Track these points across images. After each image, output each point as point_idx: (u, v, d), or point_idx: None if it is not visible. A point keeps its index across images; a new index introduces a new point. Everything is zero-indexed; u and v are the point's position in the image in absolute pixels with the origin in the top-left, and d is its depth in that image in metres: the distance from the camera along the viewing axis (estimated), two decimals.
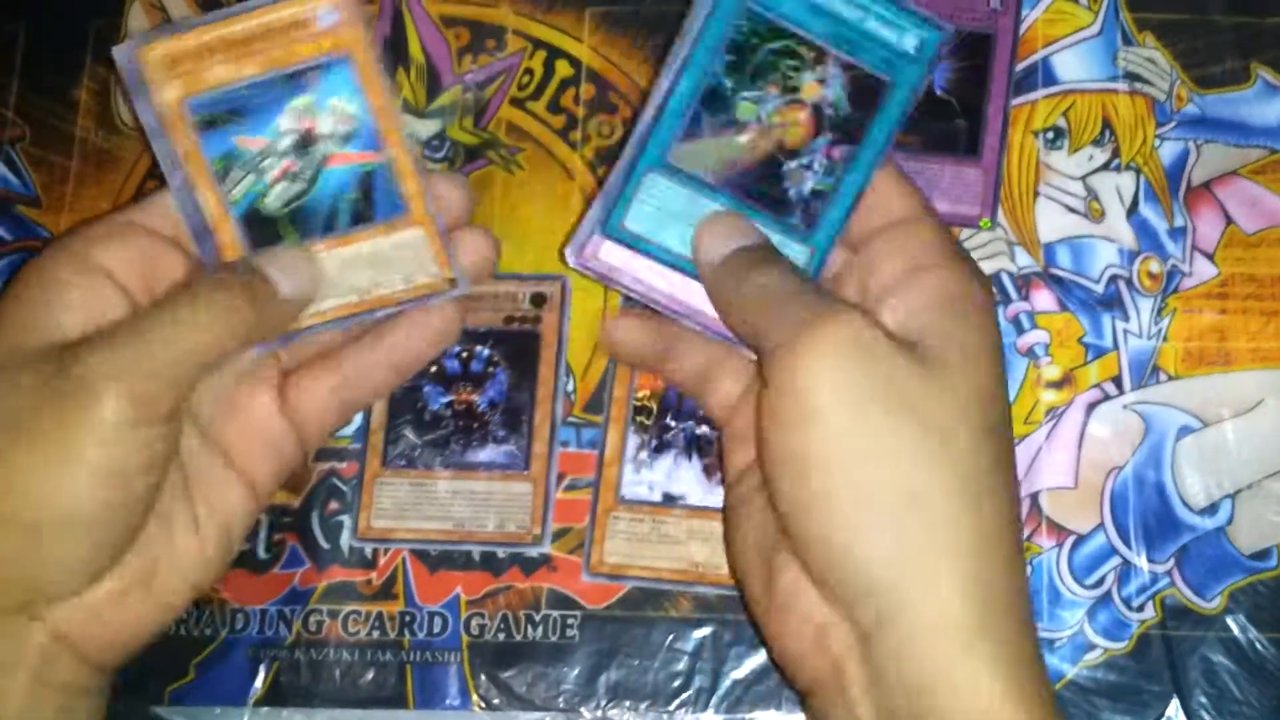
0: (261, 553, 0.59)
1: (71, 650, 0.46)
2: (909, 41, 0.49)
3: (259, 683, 0.58)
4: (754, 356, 0.49)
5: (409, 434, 0.60)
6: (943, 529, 0.42)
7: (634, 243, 0.50)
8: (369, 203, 0.50)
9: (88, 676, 0.48)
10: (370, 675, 0.58)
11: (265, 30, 0.49)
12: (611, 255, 0.50)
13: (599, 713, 0.57)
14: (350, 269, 0.50)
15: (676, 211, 0.49)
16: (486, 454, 0.59)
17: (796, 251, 0.49)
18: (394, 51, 0.64)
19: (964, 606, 0.42)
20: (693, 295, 0.50)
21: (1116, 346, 0.60)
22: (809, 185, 0.49)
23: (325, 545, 0.59)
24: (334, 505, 0.59)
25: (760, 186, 0.49)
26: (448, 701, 0.57)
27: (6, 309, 0.47)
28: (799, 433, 0.43)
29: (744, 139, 0.49)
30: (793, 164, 0.49)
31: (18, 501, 0.44)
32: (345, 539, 0.59)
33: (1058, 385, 0.59)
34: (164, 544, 0.48)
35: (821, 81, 0.49)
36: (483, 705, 0.57)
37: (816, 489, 0.43)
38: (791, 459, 0.44)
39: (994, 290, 0.48)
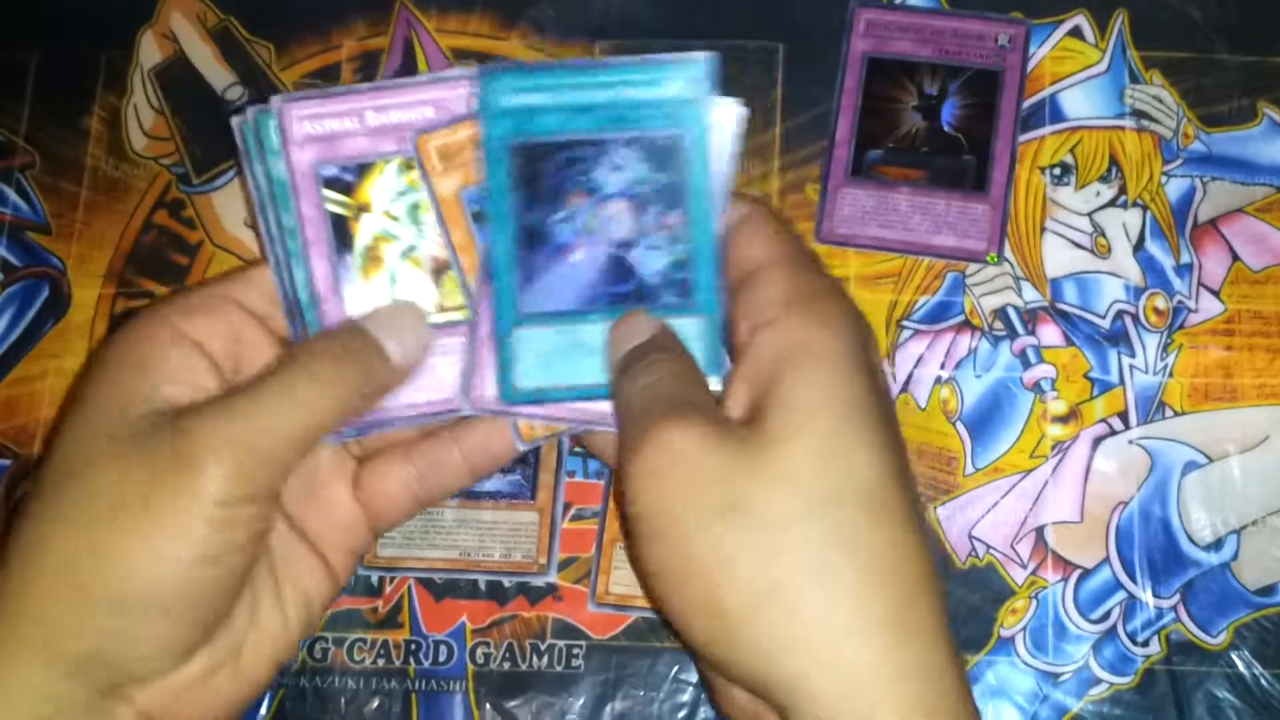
0: None
1: None
2: (673, 87, 0.48)
3: (264, 710, 0.58)
4: None
5: None
6: (800, 621, 0.40)
7: (536, 397, 0.49)
8: None
9: None
10: (375, 703, 0.58)
11: None
12: (518, 409, 0.49)
13: None
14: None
15: (559, 350, 0.48)
16: (493, 483, 0.59)
17: (690, 324, 0.48)
18: None
19: (840, 694, 0.40)
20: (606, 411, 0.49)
21: (1122, 382, 0.60)
22: (664, 261, 0.48)
23: None
24: None
25: (619, 288, 0.48)
26: None
27: (102, 380, 0.46)
28: (650, 551, 0.42)
29: (579, 254, 0.48)
30: (635, 252, 0.48)
31: (115, 581, 0.42)
32: None
33: (1064, 420, 0.60)
34: (250, 623, 0.47)
35: (616, 168, 0.48)
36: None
37: (681, 602, 0.42)
38: (653, 576, 0.43)
39: (867, 329, 0.46)
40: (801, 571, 0.40)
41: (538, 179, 0.48)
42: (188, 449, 0.43)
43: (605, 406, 0.48)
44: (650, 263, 0.48)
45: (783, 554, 0.41)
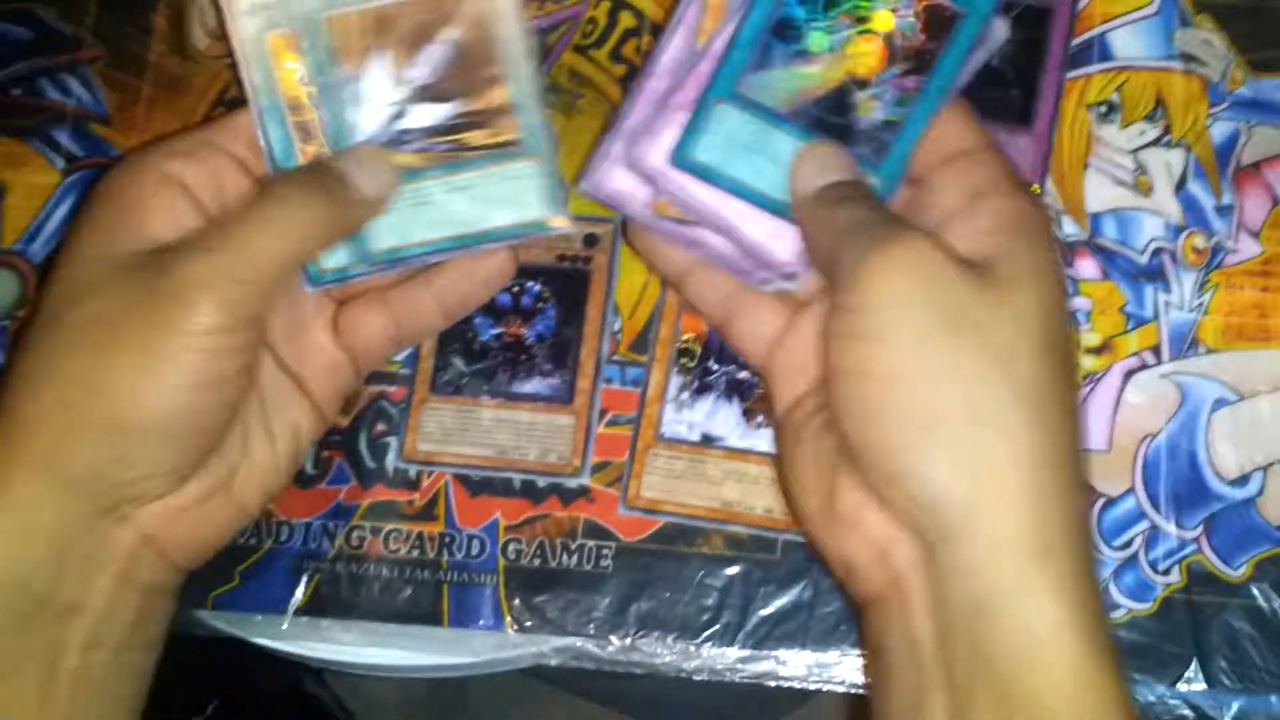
0: (309, 468, 0.60)
1: (156, 551, 0.49)
2: None
3: (300, 593, 0.59)
4: (794, 288, 0.52)
5: (458, 362, 0.61)
6: (1004, 446, 0.43)
7: (704, 173, 0.50)
8: None
9: (166, 576, 0.50)
10: (408, 592, 0.59)
11: None
12: (674, 183, 0.50)
13: (628, 641, 0.58)
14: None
15: (745, 143, 0.49)
16: (532, 386, 0.61)
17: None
18: None
19: (1025, 525, 0.42)
20: (751, 225, 0.51)
21: (1157, 317, 0.60)
22: (879, 116, 0.49)
23: (371, 464, 0.60)
24: (381, 427, 0.61)
25: (830, 117, 0.49)
26: (481, 621, 0.59)
27: (94, 218, 0.49)
28: (865, 349, 0.44)
29: (815, 69, 0.49)
30: (863, 94, 0.49)
31: (113, 405, 0.45)
32: (391, 460, 0.60)
33: (1097, 352, 0.60)
34: (242, 452, 0.50)
35: (894, 11, 0.49)
36: (515, 627, 0.58)
37: (881, 405, 0.44)
38: (857, 376, 0.45)
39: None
40: (1011, 409, 0.43)
41: None
42: (178, 284, 0.45)
43: (751, 221, 0.50)
44: (869, 110, 0.49)
45: (1001, 383, 0.43)
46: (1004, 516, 0.42)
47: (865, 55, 0.49)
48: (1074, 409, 0.45)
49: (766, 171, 0.50)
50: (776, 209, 0.50)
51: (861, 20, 0.49)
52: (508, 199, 0.50)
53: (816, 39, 0.49)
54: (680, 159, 0.50)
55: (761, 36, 0.49)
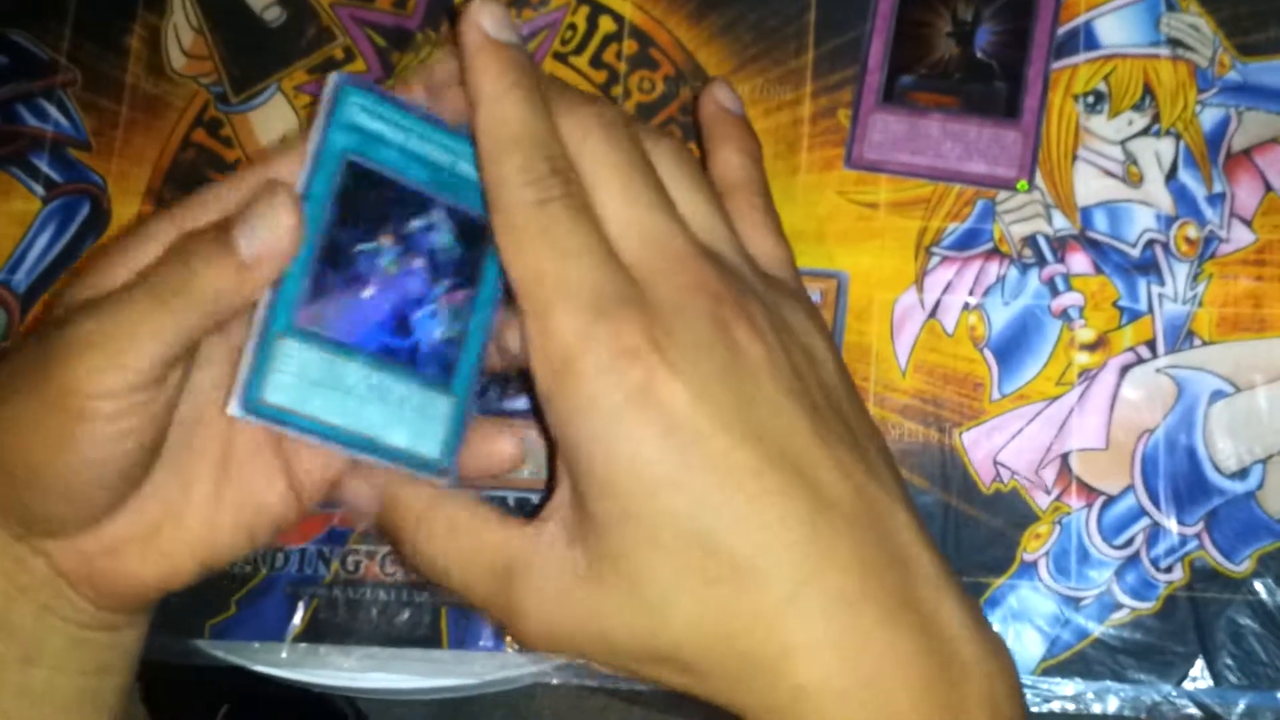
0: None
1: (72, 588, 0.47)
2: None
3: (298, 619, 0.59)
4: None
5: None
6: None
7: (278, 416, 0.45)
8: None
9: (91, 616, 0.48)
10: (406, 615, 0.59)
11: None
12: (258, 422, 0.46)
13: None
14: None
15: (317, 378, 0.46)
16: (524, 403, 0.60)
17: (441, 404, 0.47)
18: (440, 3, 0.64)
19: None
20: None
21: (1151, 310, 0.60)
22: (440, 333, 0.47)
23: None
24: None
25: (394, 341, 0.47)
26: (481, 642, 0.58)
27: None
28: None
29: (369, 293, 0.46)
30: (419, 313, 0.47)
31: (8, 457, 0.44)
32: None
33: (1091, 348, 0.60)
34: (172, 514, 0.47)
35: (430, 227, 0.47)
36: (515, 646, 0.58)
37: None
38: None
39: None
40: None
41: (359, 203, 0.46)
42: (62, 369, 0.42)
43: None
44: (428, 329, 0.47)
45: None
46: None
47: (415, 273, 0.47)
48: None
49: (341, 405, 0.46)
50: (355, 444, 0.46)
51: (403, 239, 0.46)
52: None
53: (364, 263, 0.46)
54: (248, 404, 0.45)
55: (311, 264, 0.45)
